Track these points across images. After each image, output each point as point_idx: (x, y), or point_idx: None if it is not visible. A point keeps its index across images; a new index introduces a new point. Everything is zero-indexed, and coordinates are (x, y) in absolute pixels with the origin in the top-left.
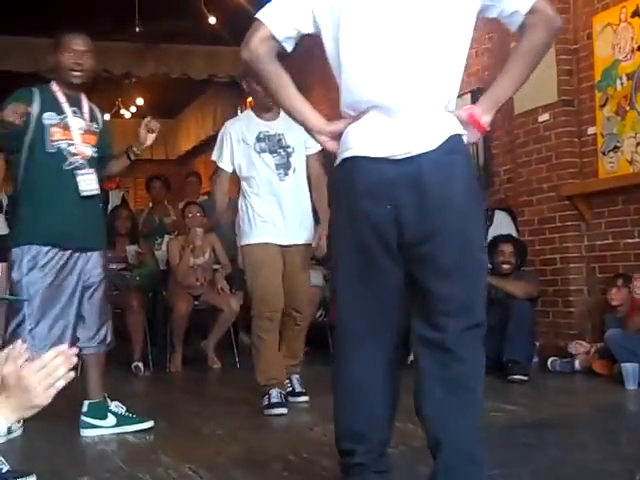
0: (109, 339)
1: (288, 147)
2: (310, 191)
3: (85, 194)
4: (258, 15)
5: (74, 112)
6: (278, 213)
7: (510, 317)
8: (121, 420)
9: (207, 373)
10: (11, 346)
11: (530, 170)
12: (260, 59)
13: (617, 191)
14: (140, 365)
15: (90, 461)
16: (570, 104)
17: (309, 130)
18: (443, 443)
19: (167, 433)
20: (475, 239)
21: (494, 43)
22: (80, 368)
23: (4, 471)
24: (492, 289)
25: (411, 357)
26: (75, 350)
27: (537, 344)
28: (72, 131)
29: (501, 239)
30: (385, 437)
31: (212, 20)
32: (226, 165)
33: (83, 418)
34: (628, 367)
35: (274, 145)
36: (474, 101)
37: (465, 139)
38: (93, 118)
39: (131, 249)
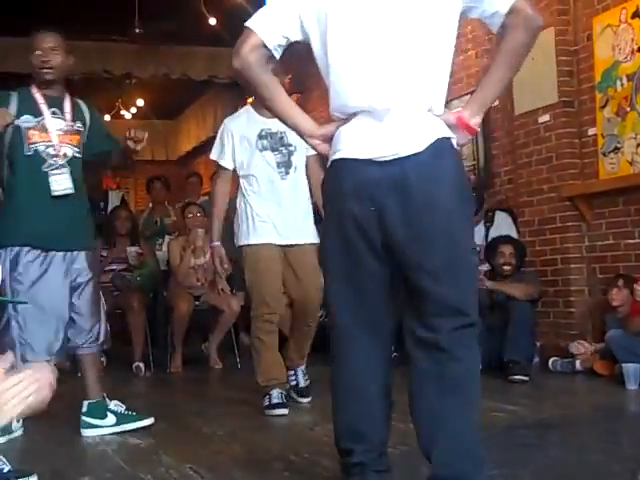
0: (102, 338)
1: (290, 145)
2: (310, 191)
3: (56, 194)
4: (248, 23)
5: (53, 113)
6: (278, 212)
7: (511, 318)
8: (121, 418)
9: (208, 373)
10: None
11: (530, 171)
12: (251, 67)
13: (618, 192)
14: (141, 365)
15: (91, 461)
16: (570, 105)
17: (301, 134)
18: (440, 443)
19: (168, 433)
20: (463, 241)
21: (494, 44)
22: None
23: (5, 471)
24: (492, 292)
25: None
26: (53, 373)
27: (538, 344)
28: (50, 132)
29: (501, 240)
30: (384, 436)
31: (212, 21)
32: (228, 163)
33: (83, 418)
34: (629, 367)
35: (276, 143)
36: None
37: (454, 142)
38: (76, 117)
39: (132, 250)
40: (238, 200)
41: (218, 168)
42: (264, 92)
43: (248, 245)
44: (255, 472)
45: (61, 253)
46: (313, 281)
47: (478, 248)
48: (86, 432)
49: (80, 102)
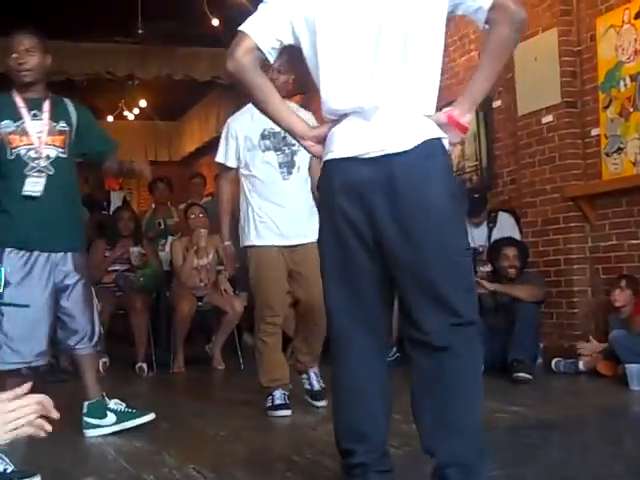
0: (96, 338)
1: (293, 145)
2: (313, 192)
3: (25, 194)
4: (242, 27)
5: (34, 115)
6: (280, 213)
7: (516, 319)
8: (121, 417)
9: (211, 374)
10: None
11: (533, 171)
12: (245, 69)
13: (621, 192)
14: (144, 366)
15: (94, 462)
16: (573, 105)
17: (294, 136)
18: (443, 442)
19: (171, 434)
20: (453, 241)
21: None
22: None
23: (9, 471)
24: (497, 294)
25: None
26: (54, 412)
27: (541, 345)
28: (31, 135)
29: (504, 242)
30: (385, 436)
31: (215, 22)
32: (232, 162)
33: (84, 419)
34: (632, 368)
35: (279, 143)
36: None
37: (446, 142)
38: (59, 117)
39: (134, 250)
40: (241, 201)
41: (222, 169)
42: (258, 94)
43: (252, 246)
44: (258, 472)
45: (45, 254)
46: (318, 280)
47: (481, 249)
48: (89, 432)
49: (67, 101)
